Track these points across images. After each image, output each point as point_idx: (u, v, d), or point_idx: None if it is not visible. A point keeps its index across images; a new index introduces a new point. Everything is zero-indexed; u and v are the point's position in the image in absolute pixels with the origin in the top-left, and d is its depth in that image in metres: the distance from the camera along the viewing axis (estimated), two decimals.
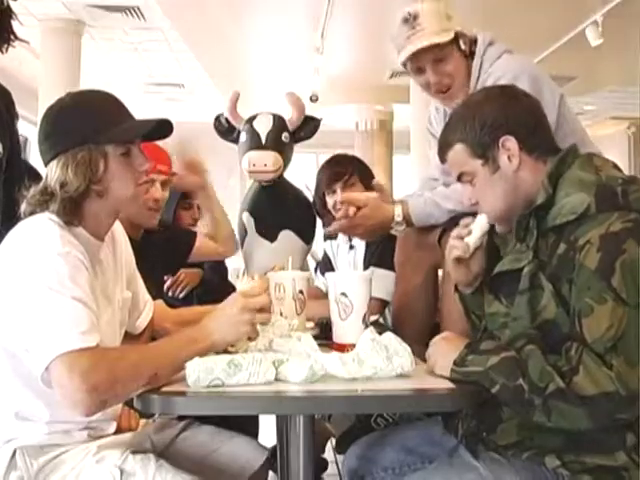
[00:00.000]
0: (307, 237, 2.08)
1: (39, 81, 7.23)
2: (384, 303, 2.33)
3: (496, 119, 1.39)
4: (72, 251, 1.29)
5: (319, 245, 2.94)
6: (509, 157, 1.38)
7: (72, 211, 1.35)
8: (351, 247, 2.56)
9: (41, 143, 1.39)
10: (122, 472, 1.28)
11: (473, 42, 1.94)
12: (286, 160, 1.94)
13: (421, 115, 6.77)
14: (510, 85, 1.58)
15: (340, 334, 1.48)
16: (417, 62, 1.92)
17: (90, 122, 1.37)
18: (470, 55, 1.93)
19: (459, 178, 1.45)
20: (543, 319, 1.29)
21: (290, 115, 1.97)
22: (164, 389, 1.21)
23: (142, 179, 1.43)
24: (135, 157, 1.41)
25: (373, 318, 1.99)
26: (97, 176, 1.36)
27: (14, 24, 1.75)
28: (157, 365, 1.25)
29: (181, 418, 1.62)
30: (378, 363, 1.27)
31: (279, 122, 1.95)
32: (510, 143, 1.38)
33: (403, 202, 1.95)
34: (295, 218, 2.03)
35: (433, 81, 1.92)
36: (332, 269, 2.63)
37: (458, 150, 1.42)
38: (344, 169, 2.52)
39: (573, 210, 1.27)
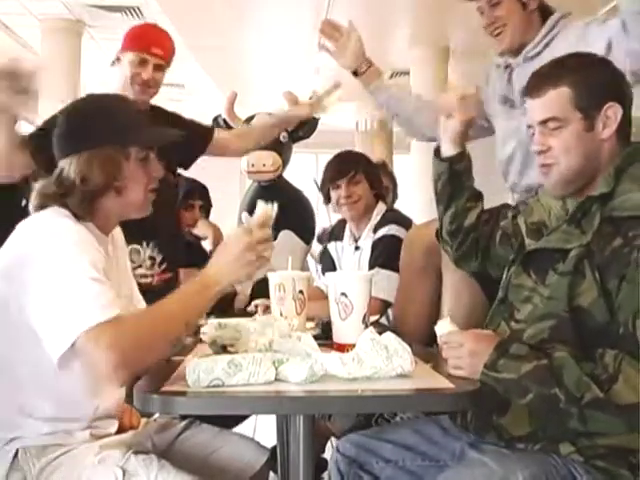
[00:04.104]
0: (307, 237, 2.08)
1: (39, 81, 7.22)
2: (386, 304, 2.33)
3: (615, 83, 1.35)
4: (88, 239, 1.33)
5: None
6: (605, 124, 1.32)
7: (87, 206, 1.38)
8: (357, 248, 2.57)
9: (63, 137, 1.41)
10: (124, 472, 1.29)
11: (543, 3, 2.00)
12: (285, 160, 1.94)
13: None
14: None
15: (340, 334, 1.48)
16: (476, 1, 1.99)
17: (117, 123, 1.41)
18: (540, 10, 1.99)
19: (544, 122, 1.35)
20: (577, 305, 1.27)
21: None
22: (164, 389, 1.21)
23: (153, 185, 1.46)
24: (152, 163, 1.45)
25: (373, 318, 1.99)
26: (121, 174, 1.39)
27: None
28: (179, 319, 1.27)
29: (182, 417, 1.62)
30: (378, 363, 1.27)
31: None
32: (614, 111, 1.32)
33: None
34: (295, 218, 2.04)
35: (485, 23, 2.00)
36: (335, 270, 2.63)
37: (563, 93, 1.33)
38: (350, 166, 2.54)
39: (637, 207, 1.25)
